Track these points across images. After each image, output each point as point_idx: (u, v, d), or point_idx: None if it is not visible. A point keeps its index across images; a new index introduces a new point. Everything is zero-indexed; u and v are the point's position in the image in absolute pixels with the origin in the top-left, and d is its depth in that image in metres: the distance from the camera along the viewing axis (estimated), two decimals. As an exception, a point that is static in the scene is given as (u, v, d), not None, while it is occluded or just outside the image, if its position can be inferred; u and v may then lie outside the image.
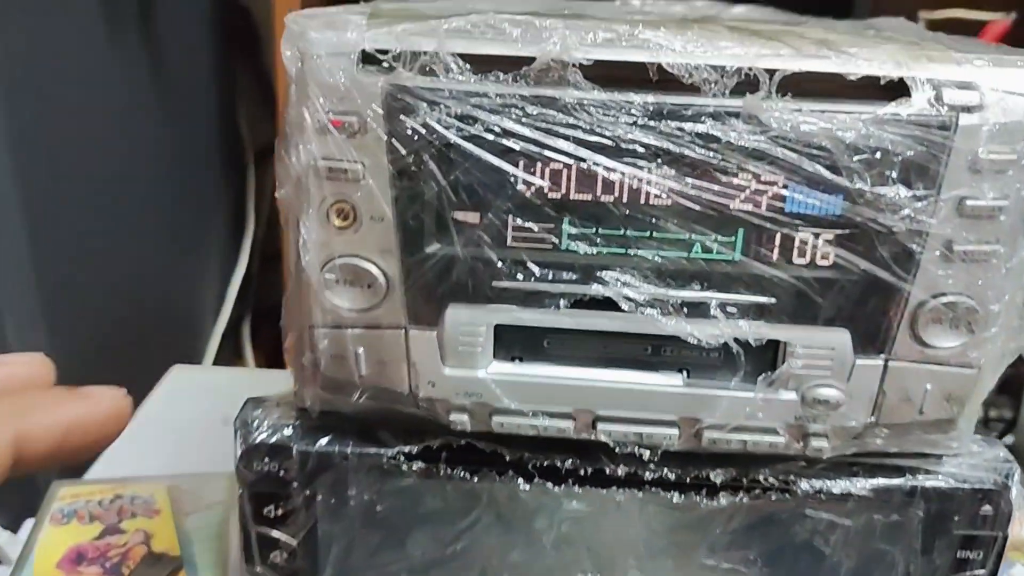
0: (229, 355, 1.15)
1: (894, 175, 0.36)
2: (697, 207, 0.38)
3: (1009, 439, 0.75)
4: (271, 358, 1.19)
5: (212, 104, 1.09)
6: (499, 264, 0.39)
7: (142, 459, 0.71)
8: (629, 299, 0.39)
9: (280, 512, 0.44)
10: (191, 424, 0.75)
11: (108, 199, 0.87)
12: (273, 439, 0.43)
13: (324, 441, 0.43)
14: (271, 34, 1.10)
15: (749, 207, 0.38)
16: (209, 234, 1.12)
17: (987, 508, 0.42)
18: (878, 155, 0.36)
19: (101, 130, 0.85)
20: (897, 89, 0.36)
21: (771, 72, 0.36)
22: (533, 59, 0.36)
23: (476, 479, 0.42)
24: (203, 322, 1.11)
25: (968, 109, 0.36)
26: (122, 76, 0.88)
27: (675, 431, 0.41)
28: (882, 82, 0.36)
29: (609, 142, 0.37)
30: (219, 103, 1.11)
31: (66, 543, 0.59)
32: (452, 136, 0.37)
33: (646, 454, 0.41)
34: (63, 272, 0.80)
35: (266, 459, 0.43)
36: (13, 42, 0.72)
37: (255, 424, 0.44)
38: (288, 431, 0.43)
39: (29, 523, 0.63)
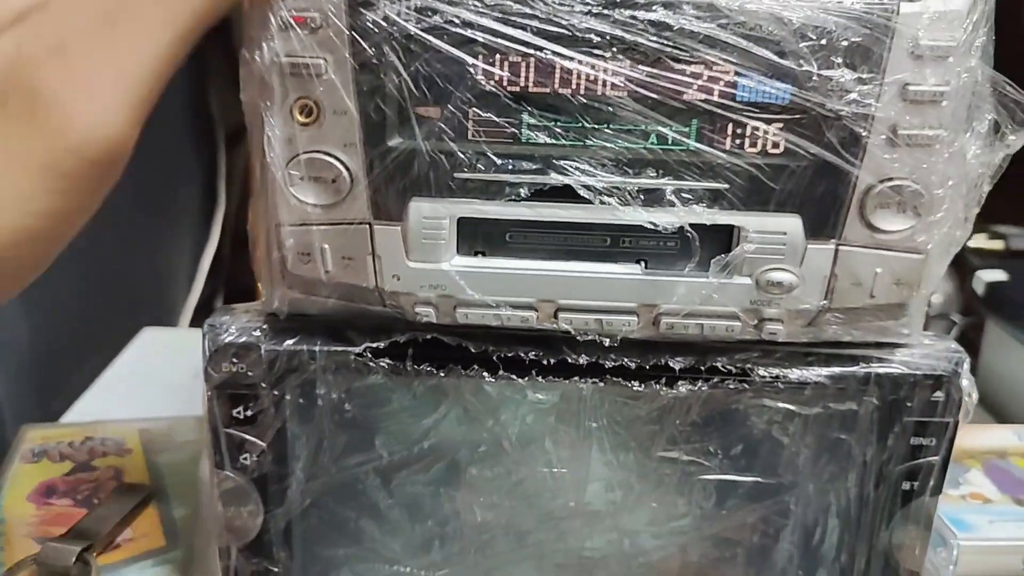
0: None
1: (840, 60, 0.38)
2: (653, 96, 0.39)
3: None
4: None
5: (183, 85, 1.10)
6: (460, 156, 0.40)
7: (113, 410, 0.71)
8: (588, 187, 0.40)
9: (249, 413, 0.44)
10: (162, 378, 0.76)
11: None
12: (241, 340, 0.44)
13: (292, 341, 0.44)
14: (240, 14, 1.10)
15: (703, 96, 0.39)
16: (180, 215, 1.12)
17: (939, 394, 0.43)
18: (824, 41, 0.38)
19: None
20: (840, -22, 0.38)
21: (720, -43, 0.37)
22: None
23: (442, 373, 0.43)
24: (175, 302, 1.11)
25: None
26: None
27: (634, 318, 0.42)
28: (826, -31, 0.38)
29: (565, 31, 0.38)
30: (190, 84, 1.11)
31: (37, 478, 0.60)
32: (412, 28, 0.38)
33: (607, 342, 0.42)
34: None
35: (234, 359, 0.44)
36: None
37: (223, 326, 0.44)
38: (256, 332, 0.44)
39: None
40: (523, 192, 0.40)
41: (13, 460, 0.62)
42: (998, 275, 0.76)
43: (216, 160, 1.20)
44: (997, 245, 0.84)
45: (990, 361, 0.76)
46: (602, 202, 0.40)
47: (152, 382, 0.76)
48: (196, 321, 1.09)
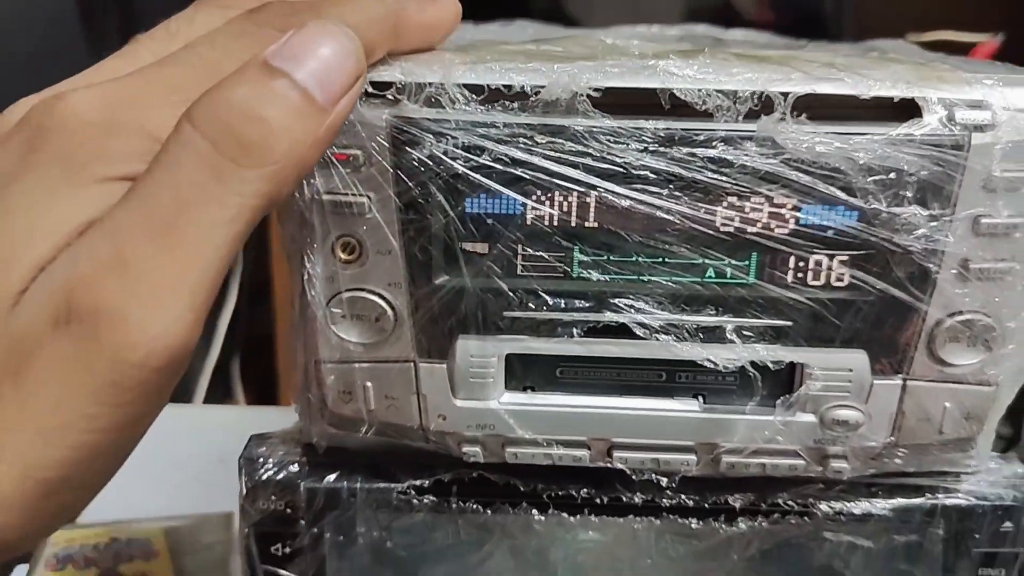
0: (219, 392, 1.14)
1: (909, 195, 0.36)
2: (709, 232, 0.37)
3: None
4: (260, 394, 1.17)
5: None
6: (510, 294, 0.38)
7: (136, 501, 0.69)
8: (643, 325, 0.38)
9: (287, 551, 0.43)
10: (185, 464, 0.74)
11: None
12: (280, 476, 0.42)
13: (332, 477, 0.42)
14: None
15: (762, 230, 0.37)
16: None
17: (1008, 525, 0.41)
18: (892, 175, 0.36)
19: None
20: (909, 109, 0.36)
21: (784, 95, 0.35)
22: (541, 89, 0.36)
23: (489, 512, 0.41)
24: (193, 361, 1.10)
25: (980, 128, 0.36)
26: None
27: (693, 456, 0.40)
28: (895, 102, 0.36)
29: (620, 169, 0.36)
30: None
31: (63, 589, 0.58)
32: (459, 167, 0.36)
33: (664, 480, 0.40)
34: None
35: (272, 497, 0.42)
36: None
37: (260, 461, 0.43)
38: (294, 467, 0.43)
39: (21, 570, 0.62)
40: (575, 331, 0.39)
41: (37, 566, 0.60)
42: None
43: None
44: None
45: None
46: (658, 340, 0.38)
47: (175, 468, 0.74)
48: (213, 385, 1.07)
